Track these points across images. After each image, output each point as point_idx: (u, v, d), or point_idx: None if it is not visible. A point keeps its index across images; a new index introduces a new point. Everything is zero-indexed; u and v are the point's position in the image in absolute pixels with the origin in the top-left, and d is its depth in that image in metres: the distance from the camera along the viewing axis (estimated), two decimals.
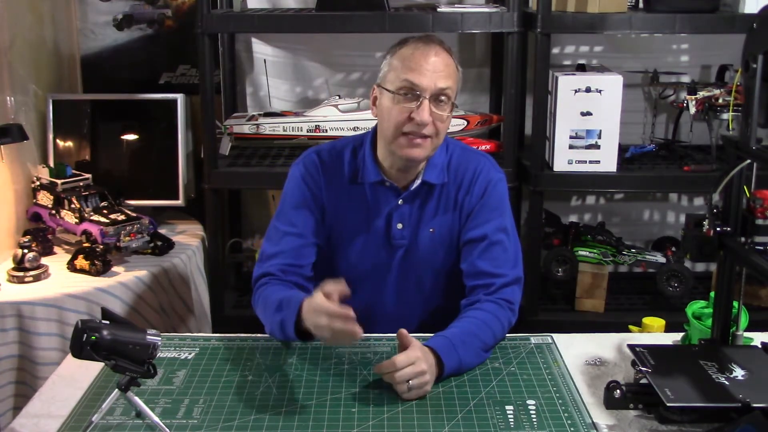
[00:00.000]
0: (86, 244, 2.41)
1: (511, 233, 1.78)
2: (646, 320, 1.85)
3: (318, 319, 1.47)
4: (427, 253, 1.80)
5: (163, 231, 2.72)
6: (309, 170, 1.80)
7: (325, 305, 1.46)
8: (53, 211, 2.55)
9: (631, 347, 1.51)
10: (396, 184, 1.77)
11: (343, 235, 1.80)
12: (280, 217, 1.81)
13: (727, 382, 1.38)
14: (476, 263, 1.73)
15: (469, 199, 1.77)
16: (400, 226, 1.78)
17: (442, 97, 1.65)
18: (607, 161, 2.58)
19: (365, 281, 1.82)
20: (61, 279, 2.35)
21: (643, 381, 1.41)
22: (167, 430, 1.35)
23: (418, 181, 1.76)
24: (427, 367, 1.47)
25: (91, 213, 2.47)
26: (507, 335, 1.71)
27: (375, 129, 1.79)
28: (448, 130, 2.66)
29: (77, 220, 2.48)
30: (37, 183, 2.60)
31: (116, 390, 1.34)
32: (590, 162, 2.59)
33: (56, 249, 2.58)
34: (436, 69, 1.64)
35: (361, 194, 1.78)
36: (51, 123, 2.78)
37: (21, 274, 2.31)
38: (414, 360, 1.46)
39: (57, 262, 2.44)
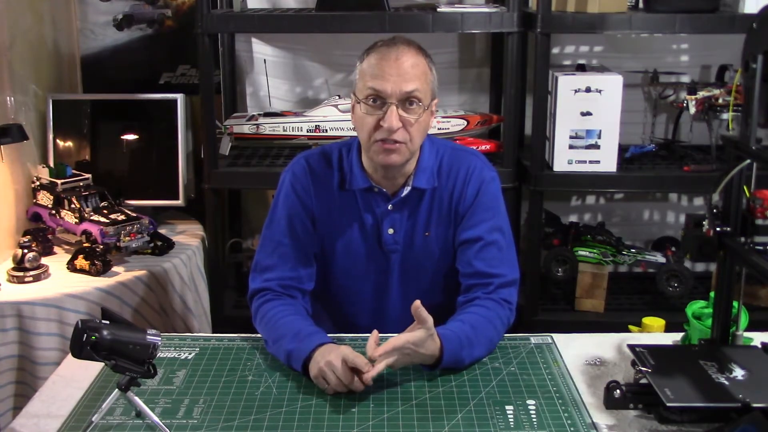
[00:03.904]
0: (86, 244, 2.41)
1: (506, 232, 1.77)
2: (646, 320, 1.85)
3: (328, 374, 1.48)
4: (423, 256, 1.79)
5: (163, 231, 2.72)
6: (298, 177, 1.78)
7: (343, 371, 1.47)
8: (53, 211, 2.55)
9: (631, 347, 1.51)
10: (384, 189, 1.75)
11: (336, 242, 1.79)
12: (272, 226, 1.78)
13: (727, 382, 1.38)
14: (473, 263, 1.73)
15: (463, 201, 1.76)
16: (391, 231, 1.77)
17: (411, 100, 1.62)
18: (607, 161, 2.58)
19: (361, 286, 1.82)
20: (61, 279, 2.35)
21: (643, 381, 1.41)
22: (167, 430, 1.35)
23: (408, 188, 1.74)
24: (410, 360, 1.51)
25: (91, 213, 2.47)
26: (507, 335, 1.71)
27: None
28: (447, 131, 2.71)
29: (77, 220, 2.48)
30: (37, 183, 2.60)
31: (116, 390, 1.34)
32: (590, 162, 2.59)
33: (56, 249, 2.58)
34: (400, 72, 1.61)
35: (351, 200, 1.77)
36: (51, 123, 2.78)
37: (21, 274, 2.31)
38: (405, 350, 1.48)
39: (57, 262, 2.44)
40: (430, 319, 1.49)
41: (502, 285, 1.71)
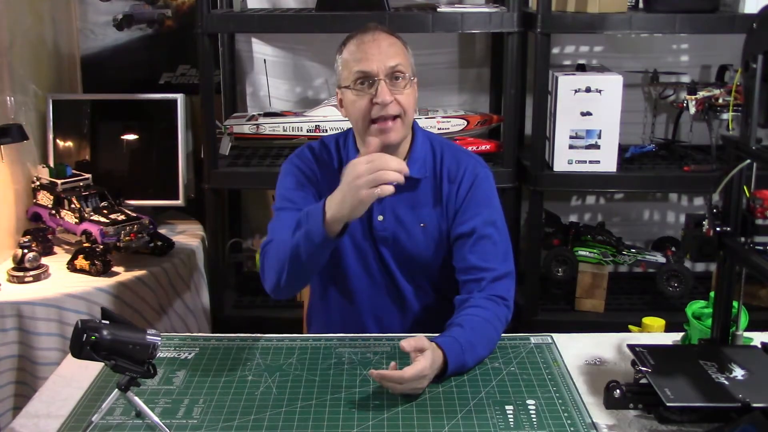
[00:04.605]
0: (86, 244, 2.41)
1: (501, 227, 1.78)
2: (646, 320, 1.85)
3: (354, 171, 1.49)
4: (419, 249, 1.79)
5: (163, 231, 2.72)
6: (302, 158, 1.84)
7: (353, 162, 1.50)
8: (53, 211, 2.55)
9: (631, 347, 1.51)
10: None
11: None
12: (277, 202, 1.81)
13: (727, 382, 1.38)
14: (467, 257, 1.74)
15: (456, 194, 1.77)
16: (380, 218, 1.78)
17: (397, 74, 1.68)
18: (607, 161, 2.58)
19: (357, 276, 1.82)
20: (61, 279, 2.35)
21: (643, 381, 1.41)
22: (167, 430, 1.35)
23: None
24: (428, 381, 1.48)
25: (91, 213, 2.47)
26: (506, 335, 1.71)
27: None
28: (447, 131, 2.71)
29: (77, 220, 2.48)
30: (37, 183, 2.61)
31: (116, 390, 1.34)
32: (590, 162, 2.59)
33: (56, 249, 2.58)
34: (381, 51, 1.68)
35: None
36: (51, 123, 2.78)
37: (21, 274, 2.31)
38: (422, 376, 1.45)
39: (57, 262, 2.45)
40: (422, 340, 1.48)
41: (496, 279, 1.71)
